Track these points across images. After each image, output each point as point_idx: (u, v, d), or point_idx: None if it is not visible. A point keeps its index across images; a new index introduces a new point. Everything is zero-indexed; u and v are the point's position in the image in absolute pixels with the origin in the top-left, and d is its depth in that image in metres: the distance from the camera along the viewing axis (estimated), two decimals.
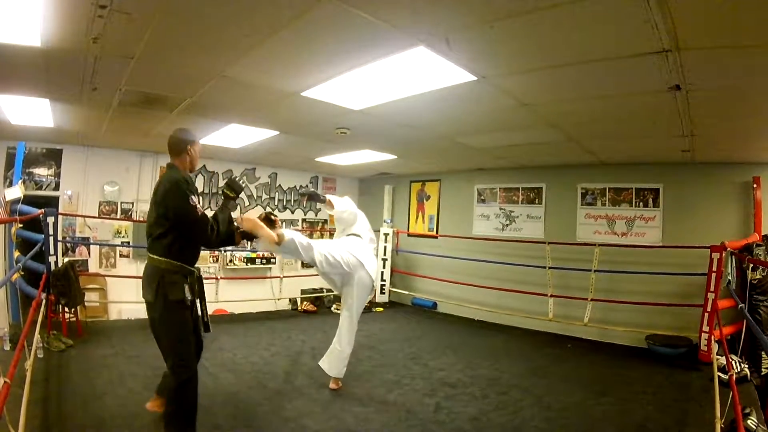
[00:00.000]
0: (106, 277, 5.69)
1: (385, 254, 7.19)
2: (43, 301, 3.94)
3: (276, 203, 7.59)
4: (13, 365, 2.31)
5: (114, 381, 3.33)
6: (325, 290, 7.03)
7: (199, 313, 2.44)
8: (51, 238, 4.37)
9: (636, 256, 5.13)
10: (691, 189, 5.02)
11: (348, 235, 3.57)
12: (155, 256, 2.25)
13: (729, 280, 4.21)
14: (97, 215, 5.81)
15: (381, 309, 6.92)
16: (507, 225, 6.48)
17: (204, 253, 6.48)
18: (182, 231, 2.24)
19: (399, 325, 6.02)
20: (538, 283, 5.67)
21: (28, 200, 4.59)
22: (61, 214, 5.14)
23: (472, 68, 2.64)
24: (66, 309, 4.40)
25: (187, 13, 2.13)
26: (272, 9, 2.05)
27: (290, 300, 6.84)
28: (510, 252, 6.17)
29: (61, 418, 2.68)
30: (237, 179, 2.58)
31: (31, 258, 4.04)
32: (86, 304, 4.77)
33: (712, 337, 4.12)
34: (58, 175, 5.61)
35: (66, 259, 4.99)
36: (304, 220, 7.94)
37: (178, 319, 2.25)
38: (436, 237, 7.32)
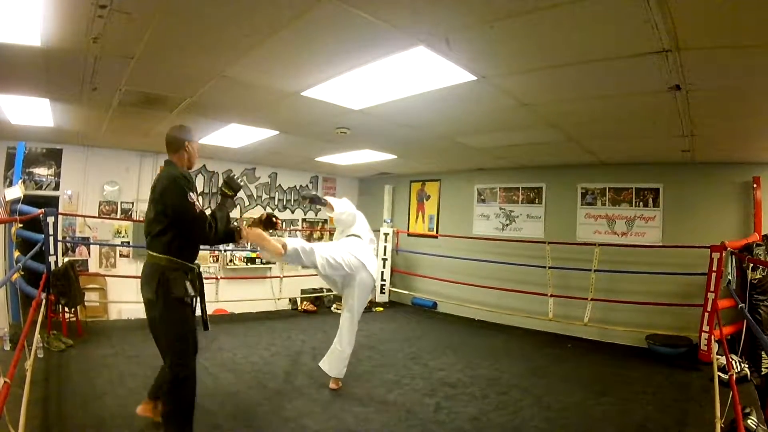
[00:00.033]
0: (106, 277, 5.69)
1: (385, 254, 7.19)
2: (43, 301, 3.94)
3: (276, 203, 7.59)
4: (13, 365, 2.31)
5: (114, 381, 3.33)
6: (325, 290, 7.03)
7: (199, 311, 2.44)
8: (51, 238, 4.37)
9: (636, 256, 5.13)
10: (691, 189, 5.02)
11: (348, 235, 3.58)
12: (155, 254, 2.24)
13: (729, 279, 4.21)
14: (97, 215, 5.80)
15: (381, 309, 6.92)
16: (507, 225, 6.49)
17: (204, 253, 6.48)
18: (181, 228, 2.23)
19: (399, 325, 6.02)
20: (538, 283, 5.67)
21: (28, 200, 4.59)
22: (61, 214, 5.14)
23: (472, 68, 2.64)
24: (66, 309, 4.40)
25: (187, 13, 2.13)
26: (272, 9, 2.05)
27: (290, 300, 6.84)
28: (510, 252, 6.17)
29: (61, 418, 2.68)
30: (235, 177, 2.56)
31: (31, 258, 4.04)
32: (86, 304, 4.77)
33: (712, 337, 4.12)
34: (58, 175, 5.61)
35: (66, 259, 4.99)
36: (304, 219, 7.94)
37: (178, 317, 2.24)
38: (436, 237, 7.32)
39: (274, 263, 7.19)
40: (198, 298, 2.39)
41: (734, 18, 1.87)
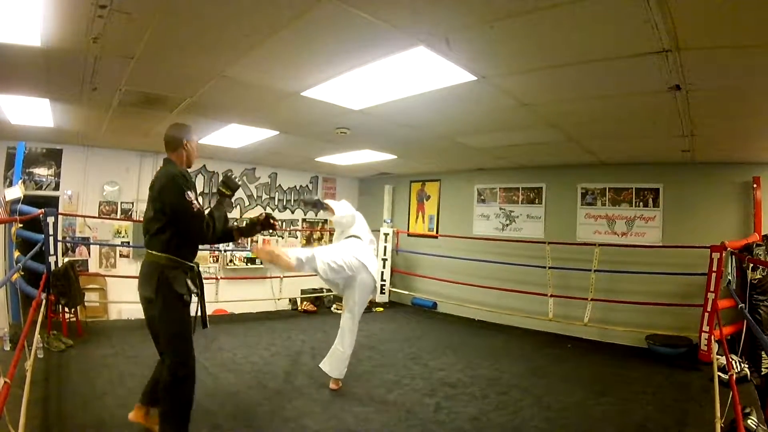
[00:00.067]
0: (106, 277, 5.69)
1: (385, 254, 7.19)
2: (43, 301, 3.94)
3: (276, 203, 7.59)
4: (13, 365, 2.31)
5: (114, 381, 3.33)
6: (325, 290, 7.03)
7: (198, 310, 2.43)
8: (51, 238, 4.37)
9: (636, 256, 5.13)
10: (691, 189, 5.02)
11: (348, 236, 3.57)
12: (154, 252, 2.23)
13: (729, 280, 4.21)
14: (97, 215, 5.80)
15: (381, 309, 6.92)
16: (507, 225, 6.49)
17: (204, 253, 6.49)
18: (179, 226, 2.21)
19: (399, 325, 6.02)
20: (538, 283, 5.67)
21: (28, 200, 4.59)
22: (61, 214, 5.14)
23: (472, 68, 2.64)
24: (66, 309, 4.40)
25: (187, 13, 2.13)
26: (272, 9, 2.05)
27: (290, 300, 6.84)
28: (510, 252, 6.17)
29: (61, 418, 2.68)
30: (233, 177, 2.53)
31: (31, 258, 4.04)
32: (86, 304, 4.77)
33: (712, 337, 4.12)
34: (58, 175, 5.61)
35: (66, 259, 4.99)
36: (304, 220, 7.94)
37: (178, 315, 2.23)
38: (436, 237, 7.32)
39: None
40: (198, 297, 2.38)
41: (734, 18, 1.87)
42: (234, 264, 6.89)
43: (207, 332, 2.52)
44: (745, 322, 3.42)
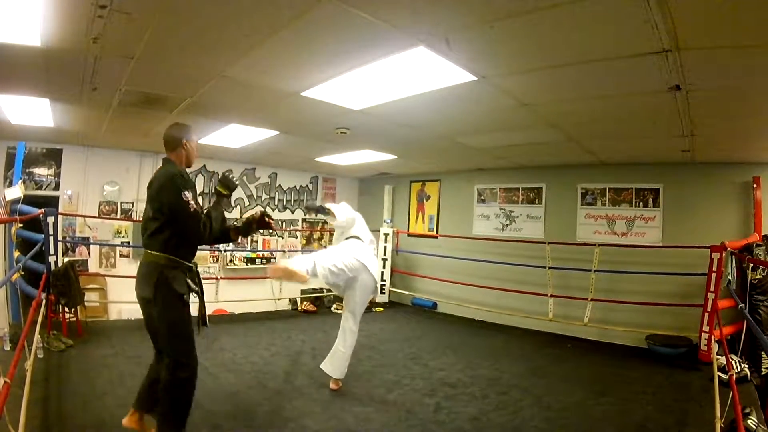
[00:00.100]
0: (106, 277, 5.69)
1: (385, 254, 7.19)
2: (43, 301, 3.94)
3: (276, 203, 7.59)
4: (13, 365, 2.31)
5: (114, 381, 3.34)
6: (325, 290, 7.03)
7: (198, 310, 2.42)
8: (51, 238, 4.37)
9: (636, 256, 5.13)
10: (691, 189, 5.02)
11: (348, 237, 3.57)
12: (153, 252, 2.21)
13: (729, 280, 4.21)
14: (97, 215, 5.81)
15: (381, 309, 6.92)
16: (507, 225, 6.49)
17: (204, 253, 6.49)
18: (176, 226, 2.20)
19: (399, 325, 6.02)
20: (538, 283, 5.67)
21: (28, 200, 4.59)
22: (61, 214, 5.14)
23: (472, 68, 2.64)
24: (66, 309, 4.40)
25: (187, 13, 2.13)
26: (272, 9, 2.05)
27: (290, 300, 6.84)
28: (510, 252, 6.17)
29: (61, 418, 2.68)
30: (230, 176, 2.51)
31: (31, 258, 4.04)
32: (86, 304, 4.77)
33: (712, 337, 4.12)
34: (58, 175, 5.61)
35: (66, 259, 4.99)
36: (304, 220, 7.94)
37: (178, 314, 2.21)
38: (436, 237, 7.32)
39: (274, 263, 7.21)
40: (198, 296, 2.37)
41: (734, 18, 1.87)
42: (234, 264, 6.89)
43: (207, 332, 2.51)
44: (745, 322, 3.42)
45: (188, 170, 2.44)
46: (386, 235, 7.26)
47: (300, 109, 3.66)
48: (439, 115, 3.71)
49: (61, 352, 3.90)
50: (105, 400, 2.98)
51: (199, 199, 2.60)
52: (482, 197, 6.82)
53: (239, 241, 6.67)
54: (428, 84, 2.94)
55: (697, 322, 4.37)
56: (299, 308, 6.68)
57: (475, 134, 4.41)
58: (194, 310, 2.37)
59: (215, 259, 6.71)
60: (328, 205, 3.60)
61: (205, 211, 2.32)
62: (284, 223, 7.69)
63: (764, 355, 3.86)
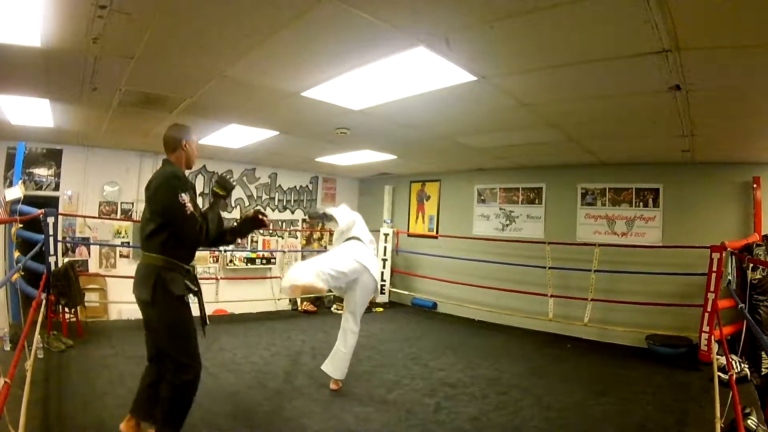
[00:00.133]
0: (106, 278, 5.69)
1: (385, 254, 7.19)
2: (43, 302, 3.94)
3: (276, 203, 7.59)
4: (13, 365, 2.31)
5: (114, 381, 3.34)
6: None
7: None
8: (51, 239, 4.37)
9: (636, 256, 5.13)
10: (691, 189, 5.02)
11: (348, 238, 3.56)
12: (150, 254, 2.18)
13: (729, 280, 4.21)
14: (97, 215, 5.81)
15: (381, 309, 6.92)
16: (507, 225, 6.49)
17: (204, 253, 6.49)
18: (173, 228, 2.17)
19: (399, 325, 6.02)
20: (538, 283, 5.67)
21: (28, 200, 4.59)
22: (61, 214, 5.14)
23: (472, 68, 2.64)
24: (66, 309, 4.40)
25: (187, 13, 2.13)
26: (272, 9, 2.05)
27: (290, 300, 6.84)
28: (510, 252, 6.17)
29: (61, 418, 2.68)
30: (228, 177, 2.48)
31: (31, 258, 4.04)
32: (86, 304, 4.77)
33: (712, 337, 4.12)
34: (58, 175, 5.61)
35: (66, 260, 4.99)
36: (304, 220, 7.94)
37: (178, 315, 2.18)
38: (436, 237, 7.32)
39: (274, 263, 7.22)
40: (197, 297, 2.34)
41: (734, 18, 1.87)
42: (234, 264, 6.89)
43: (207, 332, 2.49)
44: (745, 322, 3.42)
45: (188, 171, 2.43)
46: (386, 235, 7.26)
47: (300, 109, 3.66)
48: (439, 115, 3.72)
49: (61, 352, 3.90)
50: (105, 400, 2.98)
51: (199, 200, 2.58)
52: (482, 197, 6.82)
53: (239, 241, 6.69)
54: (428, 84, 2.94)
55: (697, 322, 4.37)
56: (299, 308, 6.68)
57: (475, 134, 4.41)
58: (194, 312, 2.36)
59: (215, 259, 6.71)
60: (329, 211, 3.59)
61: (201, 213, 2.28)
62: (284, 224, 7.69)
63: (764, 355, 3.86)
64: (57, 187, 5.61)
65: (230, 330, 5.16)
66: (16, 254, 4.52)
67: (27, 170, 5.36)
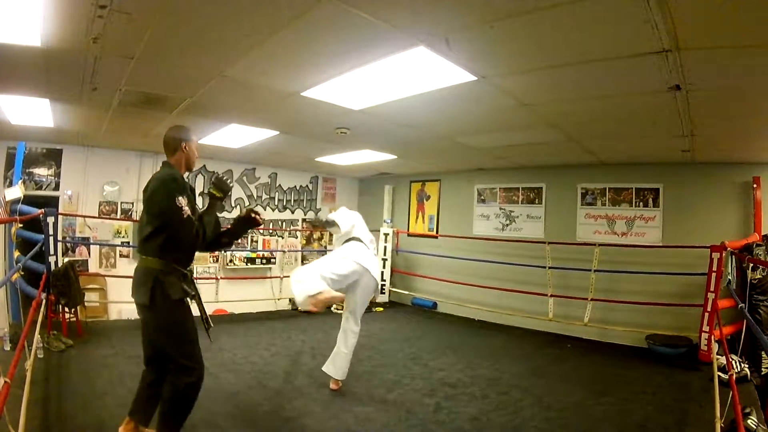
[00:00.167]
0: (106, 277, 5.69)
1: (385, 254, 7.19)
2: (43, 301, 3.94)
3: (276, 203, 7.59)
4: (13, 365, 2.31)
5: (114, 381, 3.34)
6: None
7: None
8: (51, 238, 4.37)
9: (636, 256, 5.13)
10: (691, 189, 5.02)
11: (348, 239, 3.55)
12: (148, 257, 2.16)
13: (729, 280, 4.21)
14: (97, 215, 5.81)
15: (381, 309, 6.92)
16: (507, 225, 6.49)
17: (204, 253, 6.48)
18: (169, 231, 2.15)
19: (399, 325, 6.02)
20: (538, 283, 5.67)
21: (28, 200, 4.60)
22: (61, 214, 5.14)
23: (472, 68, 2.64)
24: (66, 309, 4.40)
25: (187, 13, 2.13)
26: (272, 9, 2.05)
27: (290, 300, 6.83)
28: (510, 252, 6.17)
29: (61, 418, 2.68)
30: (225, 178, 2.46)
31: (31, 258, 4.04)
32: (86, 304, 4.77)
33: (712, 337, 4.12)
34: (58, 175, 5.61)
35: (66, 259, 4.99)
36: (304, 220, 7.94)
37: (178, 317, 2.17)
38: (436, 237, 7.32)
39: (274, 263, 7.22)
40: (196, 300, 2.32)
41: (734, 18, 1.87)
42: (234, 264, 6.89)
43: (211, 334, 2.46)
44: (745, 322, 3.42)
45: (188, 173, 2.42)
46: (386, 235, 7.26)
47: (300, 109, 3.66)
48: (439, 115, 3.72)
49: (61, 352, 3.90)
50: (105, 400, 2.98)
51: (199, 200, 2.56)
52: (482, 197, 6.82)
53: (239, 241, 6.69)
54: (428, 84, 2.94)
55: (697, 322, 4.37)
56: (299, 308, 6.66)
57: (475, 134, 4.41)
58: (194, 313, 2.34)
59: (215, 259, 6.71)
60: (331, 217, 3.57)
61: (199, 216, 2.26)
62: (284, 223, 7.69)
63: (764, 355, 3.86)
64: (57, 187, 5.61)
65: (230, 330, 5.16)
66: (16, 254, 4.52)
67: (27, 170, 5.36)
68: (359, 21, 2.10)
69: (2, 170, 5.19)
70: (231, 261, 6.87)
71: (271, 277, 6.96)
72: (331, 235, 6.86)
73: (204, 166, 6.68)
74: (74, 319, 4.49)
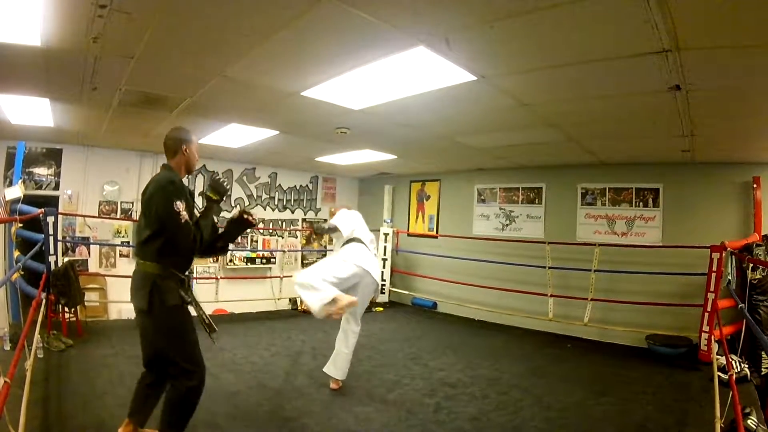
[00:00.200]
0: (106, 277, 5.69)
1: (385, 254, 7.19)
2: (43, 301, 3.94)
3: (276, 203, 7.59)
4: (13, 365, 2.31)
5: (114, 381, 3.34)
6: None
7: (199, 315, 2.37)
8: (51, 238, 4.37)
9: (636, 256, 5.13)
10: (691, 189, 5.02)
11: (349, 240, 3.54)
12: (145, 261, 2.15)
13: (729, 280, 4.21)
14: (97, 215, 5.81)
15: (381, 309, 6.92)
16: (507, 225, 6.49)
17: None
18: (167, 236, 2.12)
19: (399, 325, 6.02)
20: (538, 283, 5.67)
21: (28, 200, 4.60)
22: (61, 213, 5.14)
23: (472, 68, 2.64)
24: (66, 309, 4.40)
25: (187, 13, 2.13)
26: (272, 9, 2.05)
27: (290, 300, 6.84)
28: (510, 252, 6.17)
29: (61, 418, 2.68)
30: (221, 180, 2.43)
31: (31, 258, 4.04)
32: (86, 303, 4.77)
33: (712, 337, 4.12)
34: (58, 174, 5.61)
35: (66, 259, 4.99)
36: (304, 219, 7.94)
37: (178, 321, 2.16)
38: (436, 237, 7.32)
39: (274, 263, 7.22)
40: (194, 306, 2.28)
41: (734, 18, 1.87)
42: (234, 264, 6.89)
43: (214, 337, 2.44)
44: (745, 322, 3.42)
45: (188, 174, 2.40)
46: (386, 235, 7.26)
47: (300, 109, 3.66)
48: (439, 114, 3.71)
49: (61, 352, 3.90)
50: (105, 399, 2.98)
51: (198, 200, 2.55)
52: (482, 197, 6.82)
53: (239, 240, 6.69)
54: (428, 84, 2.94)
55: (697, 322, 4.37)
56: (299, 308, 6.67)
57: (474, 134, 4.41)
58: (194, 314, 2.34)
59: (215, 258, 6.70)
60: (333, 223, 3.57)
61: (195, 221, 2.23)
62: (284, 223, 7.69)
63: (764, 355, 3.86)
64: (57, 187, 5.61)
65: (230, 330, 5.16)
66: (16, 254, 4.52)
67: (27, 170, 5.36)
68: (359, 21, 2.10)
69: (2, 170, 5.19)
70: (231, 261, 6.87)
71: (271, 277, 6.95)
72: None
73: (204, 165, 6.68)
74: (74, 318, 4.49)
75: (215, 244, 2.40)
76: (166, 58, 2.71)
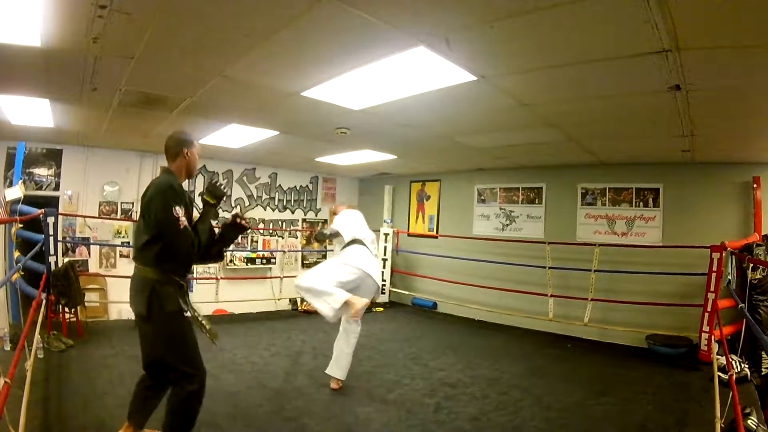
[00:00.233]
0: (106, 277, 5.69)
1: (385, 254, 7.19)
2: (43, 301, 3.94)
3: (276, 203, 7.59)
4: (13, 365, 2.31)
5: (114, 381, 3.34)
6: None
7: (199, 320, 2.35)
8: (51, 238, 4.37)
9: (636, 256, 5.13)
10: (691, 189, 5.02)
11: (349, 241, 3.54)
12: (143, 266, 2.14)
13: (729, 280, 4.21)
14: (97, 215, 5.81)
15: (381, 309, 6.92)
16: (507, 225, 6.49)
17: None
18: (165, 242, 2.10)
19: (399, 325, 6.02)
20: (538, 283, 5.67)
21: (28, 200, 4.59)
22: (61, 214, 5.14)
23: (472, 68, 2.64)
24: (66, 309, 4.40)
25: (187, 13, 2.13)
26: (272, 9, 2.05)
27: (290, 300, 6.84)
28: (510, 252, 6.17)
29: (62, 418, 2.68)
30: (218, 183, 2.41)
31: (31, 258, 4.04)
32: (86, 304, 4.77)
33: (712, 337, 4.12)
34: (58, 175, 5.61)
35: (66, 259, 4.99)
36: (304, 220, 7.94)
37: (178, 325, 2.14)
38: (436, 237, 7.32)
39: (274, 263, 7.22)
40: (191, 314, 2.26)
41: (734, 18, 1.87)
42: (234, 264, 6.89)
43: (215, 340, 2.43)
44: (745, 322, 3.42)
45: (188, 179, 2.39)
46: (386, 235, 7.26)
47: (300, 109, 3.66)
48: (439, 114, 3.71)
49: (61, 352, 3.90)
50: (105, 400, 2.98)
51: (199, 202, 2.54)
52: (482, 197, 6.82)
53: (238, 240, 6.68)
54: (428, 84, 2.94)
55: (697, 322, 4.37)
56: (299, 308, 6.68)
57: (474, 134, 4.41)
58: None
59: None
60: (334, 228, 3.56)
61: (193, 225, 2.22)
62: (284, 224, 7.69)
63: (764, 355, 3.86)
64: (57, 187, 5.61)
65: (230, 330, 5.16)
66: (16, 254, 4.53)
67: (27, 170, 5.36)
68: (359, 21, 2.10)
69: (2, 170, 5.19)
70: (231, 261, 6.87)
71: (271, 277, 6.95)
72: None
73: (204, 166, 6.68)
74: (74, 319, 4.49)
75: (210, 251, 2.36)
76: (166, 59, 2.71)
